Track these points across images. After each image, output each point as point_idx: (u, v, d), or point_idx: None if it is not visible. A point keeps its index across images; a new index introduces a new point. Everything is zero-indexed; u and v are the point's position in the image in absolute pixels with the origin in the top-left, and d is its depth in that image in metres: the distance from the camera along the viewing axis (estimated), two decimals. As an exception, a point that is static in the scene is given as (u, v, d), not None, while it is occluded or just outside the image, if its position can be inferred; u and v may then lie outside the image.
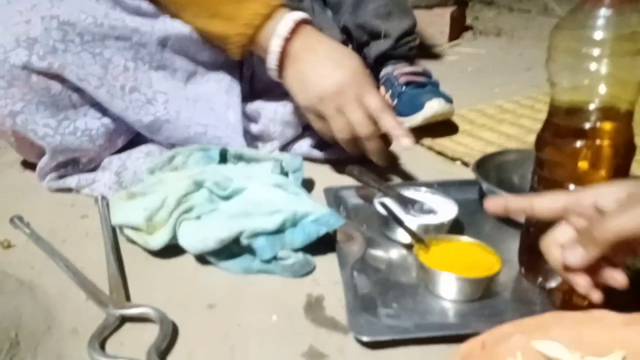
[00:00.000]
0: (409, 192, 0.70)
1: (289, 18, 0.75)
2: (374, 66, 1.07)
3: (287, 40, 0.74)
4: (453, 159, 0.94)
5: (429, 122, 0.97)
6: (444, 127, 1.04)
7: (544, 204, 0.48)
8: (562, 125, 0.52)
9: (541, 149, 0.54)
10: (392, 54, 1.04)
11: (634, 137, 0.52)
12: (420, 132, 1.01)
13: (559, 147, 0.52)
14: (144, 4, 0.79)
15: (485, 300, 0.56)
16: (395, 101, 1.01)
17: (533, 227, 0.57)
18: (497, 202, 0.51)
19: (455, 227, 0.67)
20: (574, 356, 0.44)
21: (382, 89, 1.06)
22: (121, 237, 0.68)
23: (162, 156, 0.74)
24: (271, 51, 0.75)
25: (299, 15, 0.75)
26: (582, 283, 0.46)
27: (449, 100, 0.97)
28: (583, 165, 0.52)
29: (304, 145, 0.91)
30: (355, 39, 1.07)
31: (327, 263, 0.63)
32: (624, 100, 0.50)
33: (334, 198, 0.77)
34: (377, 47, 1.04)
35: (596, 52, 0.49)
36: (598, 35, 0.48)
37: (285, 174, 0.76)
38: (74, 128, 0.75)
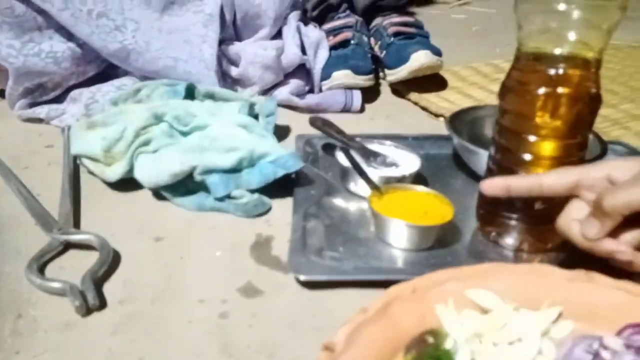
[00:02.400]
0: (373, 145, 0.68)
1: None
2: (365, 17, 1.03)
3: None
4: (436, 115, 0.92)
5: (415, 74, 0.93)
6: (433, 82, 1.01)
7: (553, 180, 0.47)
8: (526, 72, 0.50)
9: (503, 96, 0.52)
10: (381, 5, 1.00)
11: (599, 89, 0.49)
12: (407, 86, 0.99)
13: (521, 95, 0.50)
14: None
15: (435, 250, 0.55)
16: (384, 53, 0.98)
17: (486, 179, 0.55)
18: (496, 184, 0.50)
19: (420, 181, 0.65)
20: (508, 307, 0.43)
21: (372, 40, 1.02)
22: (83, 168, 0.68)
23: (127, 88, 0.73)
24: None
25: None
26: (616, 247, 0.44)
27: (437, 52, 0.93)
28: (543, 114, 0.49)
29: (284, 91, 0.89)
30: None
31: (283, 205, 0.62)
32: (592, 48, 0.47)
33: (304, 145, 0.76)
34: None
35: (560, -4, 0.46)
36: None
37: (256, 116, 0.74)
38: (39, 50, 0.74)
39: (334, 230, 0.58)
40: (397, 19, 0.99)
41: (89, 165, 0.65)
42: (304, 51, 0.95)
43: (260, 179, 0.60)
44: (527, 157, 0.51)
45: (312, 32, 0.97)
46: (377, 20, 1.02)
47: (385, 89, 1.03)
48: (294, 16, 0.96)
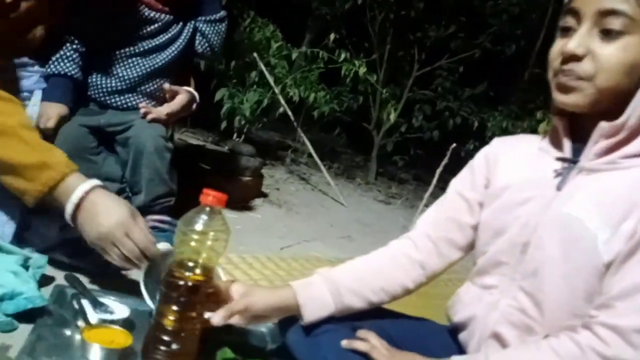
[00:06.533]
0: (103, 299, 1.08)
1: (81, 189, 1.08)
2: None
3: (78, 205, 1.09)
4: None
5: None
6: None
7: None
8: (176, 271, 0.95)
9: (163, 282, 0.96)
10: (148, 209, 1.48)
11: (213, 284, 0.96)
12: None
13: (171, 283, 0.95)
14: None
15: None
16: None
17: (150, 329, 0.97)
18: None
19: (127, 324, 1.05)
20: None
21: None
22: None
23: None
24: (67, 212, 1.09)
25: (89, 184, 1.10)
26: None
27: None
28: (184, 293, 0.94)
29: (58, 253, 1.27)
30: (130, 189, 1.50)
31: (27, 327, 0.97)
32: (210, 262, 0.96)
33: (59, 292, 1.12)
34: (136, 200, 1.49)
35: (195, 236, 0.94)
36: (198, 227, 0.94)
37: (28, 267, 1.11)
38: None
39: (55, 346, 0.93)
40: (157, 217, 1.47)
41: None
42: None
43: (14, 307, 0.96)
44: (172, 317, 0.94)
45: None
46: (146, 217, 1.48)
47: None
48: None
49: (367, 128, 4.59)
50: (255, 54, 3.22)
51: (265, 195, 2.67)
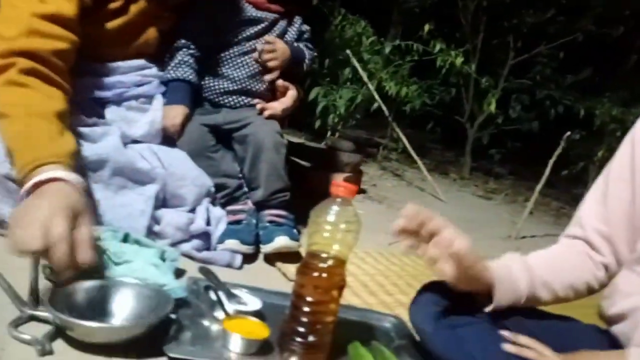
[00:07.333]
0: (236, 291, 1.10)
1: (37, 178, 0.95)
2: (257, 207, 1.52)
3: (28, 191, 0.96)
4: (290, 280, 1.36)
5: (278, 250, 1.40)
6: (295, 257, 1.46)
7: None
8: (310, 262, 0.95)
9: (297, 274, 0.97)
10: (266, 204, 1.50)
11: (345, 277, 0.95)
12: (276, 257, 1.44)
13: (305, 274, 0.95)
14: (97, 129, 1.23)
15: (258, 357, 0.94)
16: (261, 232, 1.45)
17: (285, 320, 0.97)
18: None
19: (259, 316, 1.06)
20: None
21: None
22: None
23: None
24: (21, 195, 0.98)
25: (48, 175, 0.96)
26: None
27: (295, 238, 1.41)
28: (318, 285, 0.94)
29: (187, 246, 1.32)
30: (247, 185, 1.53)
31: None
32: (342, 254, 0.95)
33: (192, 284, 1.16)
34: (255, 195, 1.51)
35: (328, 227, 0.94)
36: (330, 217, 0.94)
37: (164, 260, 1.15)
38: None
39: (196, 337, 0.96)
40: (274, 211, 1.48)
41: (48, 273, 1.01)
42: (209, 222, 1.40)
43: (158, 299, 1.00)
44: (307, 309, 0.94)
45: (217, 211, 1.43)
46: (263, 212, 1.50)
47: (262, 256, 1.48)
48: (206, 200, 1.43)
49: (457, 122, 4.45)
50: (348, 51, 3.21)
51: (364, 192, 2.65)
